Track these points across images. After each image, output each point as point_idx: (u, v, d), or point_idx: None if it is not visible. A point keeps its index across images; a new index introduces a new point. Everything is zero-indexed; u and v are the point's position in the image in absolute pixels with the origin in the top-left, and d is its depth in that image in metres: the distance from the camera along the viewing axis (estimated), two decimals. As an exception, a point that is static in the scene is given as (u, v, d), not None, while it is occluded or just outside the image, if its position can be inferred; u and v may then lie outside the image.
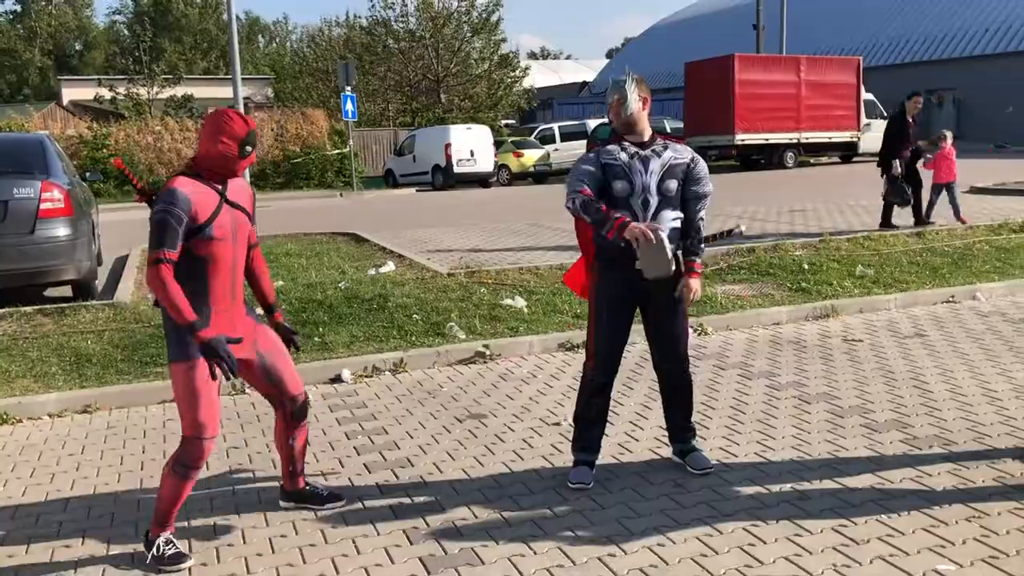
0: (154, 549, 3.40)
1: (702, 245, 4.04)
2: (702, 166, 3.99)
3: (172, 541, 3.45)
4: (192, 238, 3.27)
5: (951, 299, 7.60)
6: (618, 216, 3.74)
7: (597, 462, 4.12)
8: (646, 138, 3.92)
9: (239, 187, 3.50)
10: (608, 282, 3.95)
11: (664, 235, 3.72)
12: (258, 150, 26.28)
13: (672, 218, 3.90)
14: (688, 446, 4.16)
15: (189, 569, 3.37)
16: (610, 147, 3.94)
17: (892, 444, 4.32)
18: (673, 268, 3.74)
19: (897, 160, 10.43)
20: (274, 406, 3.77)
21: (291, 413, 3.73)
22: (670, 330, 4.02)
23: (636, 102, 3.87)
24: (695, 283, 3.98)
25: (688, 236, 3.99)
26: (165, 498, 3.42)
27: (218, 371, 3.27)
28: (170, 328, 3.35)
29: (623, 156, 3.88)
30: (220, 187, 3.39)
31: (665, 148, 3.93)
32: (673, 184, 3.88)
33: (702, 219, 4.01)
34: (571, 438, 4.19)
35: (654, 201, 3.85)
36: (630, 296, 3.95)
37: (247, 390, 5.73)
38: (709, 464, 4.08)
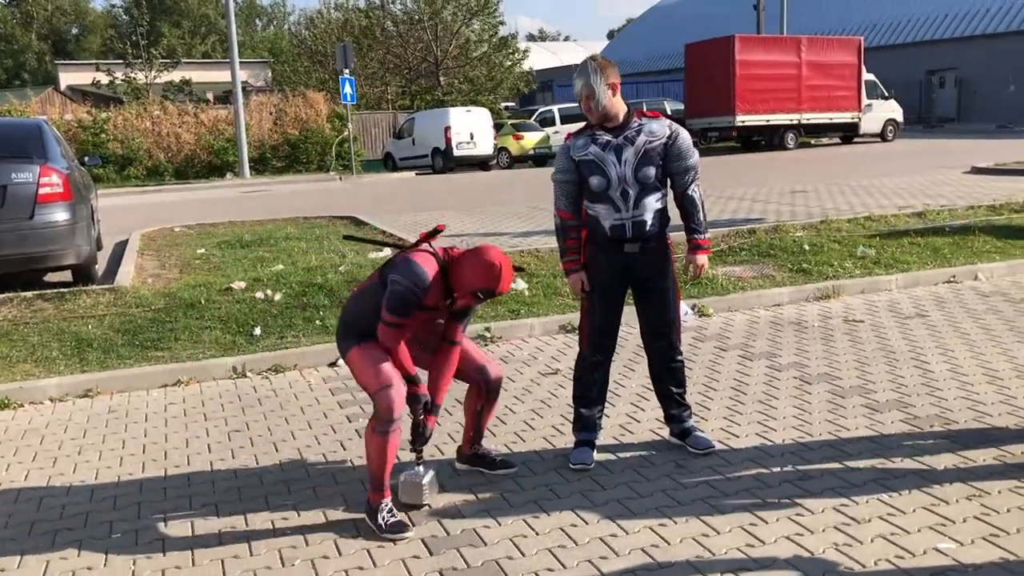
0: (378, 519, 3.45)
1: (702, 218, 3.97)
2: (683, 140, 3.87)
3: (392, 508, 3.50)
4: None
5: (952, 279, 7.59)
6: (567, 261, 3.97)
7: (598, 443, 4.12)
8: (620, 121, 3.85)
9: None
10: (598, 263, 3.94)
11: (424, 480, 3.63)
12: (257, 134, 26.26)
13: (656, 201, 3.86)
14: (687, 426, 4.16)
15: (191, 559, 3.38)
16: (580, 141, 3.88)
17: (893, 424, 4.32)
18: (424, 500, 3.61)
19: None
20: (467, 381, 3.89)
21: (485, 390, 3.84)
22: (660, 308, 3.99)
23: (605, 94, 3.78)
24: (701, 258, 3.98)
25: (685, 213, 3.96)
26: (374, 459, 3.48)
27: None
28: (349, 324, 3.60)
29: (594, 148, 3.82)
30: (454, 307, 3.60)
31: (639, 131, 3.83)
32: (651, 170, 3.80)
33: (694, 191, 3.91)
34: (571, 419, 4.19)
35: (633, 191, 3.80)
36: (621, 277, 3.94)
37: (247, 373, 5.73)
38: (710, 444, 4.08)
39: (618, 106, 3.83)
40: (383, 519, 3.44)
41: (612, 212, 3.84)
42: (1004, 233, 8.92)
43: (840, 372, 5.19)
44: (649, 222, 3.85)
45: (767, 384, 5.04)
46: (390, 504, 3.51)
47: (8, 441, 4.75)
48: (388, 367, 3.46)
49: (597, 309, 3.98)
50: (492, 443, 4.33)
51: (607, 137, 3.82)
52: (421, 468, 3.69)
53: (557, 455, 4.16)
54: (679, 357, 4.12)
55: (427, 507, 3.64)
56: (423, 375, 3.66)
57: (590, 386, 4.06)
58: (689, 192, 3.90)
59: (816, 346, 5.77)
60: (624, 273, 3.93)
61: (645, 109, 4.01)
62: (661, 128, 3.85)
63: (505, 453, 4.20)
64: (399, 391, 3.43)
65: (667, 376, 4.12)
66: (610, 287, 3.95)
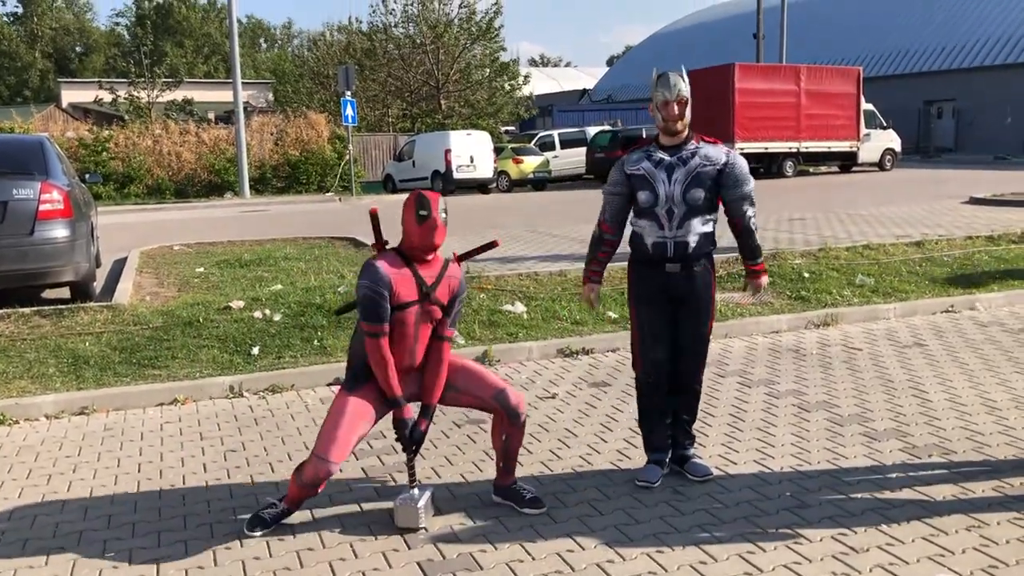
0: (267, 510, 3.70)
1: (758, 243, 4.00)
2: (739, 167, 3.86)
3: (279, 507, 3.70)
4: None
5: (950, 309, 7.60)
6: (590, 270, 4.13)
7: (596, 468, 4.11)
8: (680, 140, 3.87)
9: (447, 276, 3.67)
10: (643, 279, 3.95)
11: (420, 504, 3.62)
12: (258, 154, 26.34)
13: (703, 224, 3.85)
14: (688, 453, 4.15)
15: (186, 571, 3.35)
16: (635, 155, 3.91)
17: (891, 453, 4.31)
18: (420, 524, 3.61)
19: None
20: (489, 410, 3.82)
21: (507, 415, 3.76)
22: (695, 330, 3.97)
23: (688, 98, 3.84)
24: (763, 279, 4.04)
25: (742, 239, 3.97)
26: (292, 490, 3.65)
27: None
28: (351, 365, 3.69)
29: (646, 164, 3.85)
30: (427, 282, 3.63)
31: (695, 153, 3.84)
32: (700, 193, 3.79)
33: (751, 218, 3.92)
34: (568, 445, 4.18)
35: (679, 211, 3.80)
36: (664, 292, 3.92)
37: (243, 393, 5.72)
38: (708, 471, 4.07)
39: (687, 120, 3.86)
40: (264, 513, 3.70)
41: (656, 229, 3.85)
42: (1002, 264, 8.94)
43: (839, 400, 5.18)
44: (692, 244, 3.83)
45: (765, 411, 5.03)
46: (281, 506, 3.70)
47: (3, 458, 4.73)
48: (343, 436, 3.48)
49: (646, 324, 3.96)
50: (489, 467, 4.31)
51: (662, 155, 3.85)
52: (416, 491, 3.67)
53: (555, 479, 4.14)
54: (697, 386, 4.10)
55: (423, 530, 3.62)
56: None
57: (653, 408, 4.07)
58: (745, 219, 3.91)
59: (815, 374, 5.77)
60: (663, 291, 3.91)
61: (706, 136, 4.00)
62: (717, 154, 3.86)
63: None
64: (334, 466, 3.47)
65: (683, 401, 4.09)
66: (656, 297, 3.92)
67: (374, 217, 3.69)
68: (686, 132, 3.87)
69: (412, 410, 3.67)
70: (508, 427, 3.77)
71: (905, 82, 37.80)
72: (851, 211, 14.27)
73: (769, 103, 25.03)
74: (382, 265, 3.52)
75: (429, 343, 3.72)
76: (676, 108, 3.83)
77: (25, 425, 5.27)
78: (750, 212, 3.92)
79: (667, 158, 3.84)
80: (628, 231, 4.04)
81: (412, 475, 3.71)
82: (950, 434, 4.54)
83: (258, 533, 3.62)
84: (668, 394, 4.06)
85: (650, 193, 3.82)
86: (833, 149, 26.70)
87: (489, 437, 4.70)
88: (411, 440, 3.65)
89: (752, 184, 3.92)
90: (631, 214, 4.01)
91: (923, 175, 24.30)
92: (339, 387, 3.70)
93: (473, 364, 3.88)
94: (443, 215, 3.59)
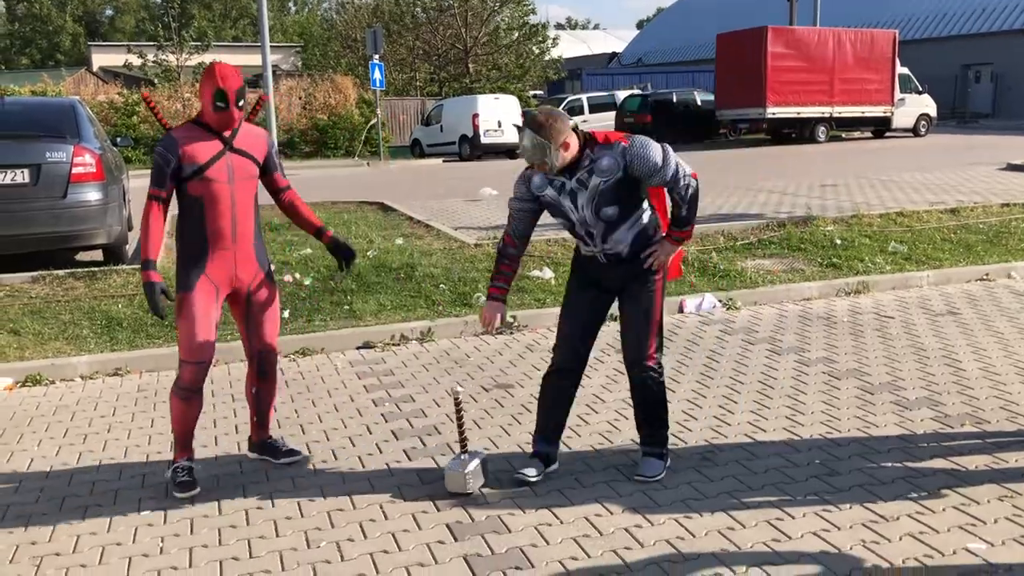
0: (168, 474, 3.80)
1: (684, 214, 3.59)
2: (640, 159, 3.45)
3: (185, 468, 3.73)
4: (186, 179, 3.59)
5: (985, 277, 7.49)
6: (494, 287, 3.75)
7: (624, 433, 4.08)
8: (575, 161, 3.52)
9: (251, 135, 3.74)
10: (581, 265, 3.78)
11: (467, 469, 3.59)
12: (286, 118, 26.34)
13: (629, 229, 3.58)
14: (646, 449, 3.83)
15: (219, 530, 3.41)
16: (536, 179, 3.61)
17: (923, 422, 4.27)
18: (468, 489, 3.60)
19: None
20: (247, 357, 3.95)
21: (257, 367, 3.91)
22: (633, 320, 3.70)
23: (559, 157, 3.44)
24: (669, 248, 3.65)
25: (673, 210, 3.64)
26: (173, 420, 3.75)
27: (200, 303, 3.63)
28: (178, 264, 3.72)
29: (550, 192, 3.58)
30: (224, 134, 3.63)
31: (592, 171, 3.49)
32: (612, 209, 3.52)
33: (681, 192, 3.54)
34: (595, 409, 4.17)
35: (598, 230, 3.57)
36: (600, 282, 3.72)
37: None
38: (652, 474, 3.73)
39: (572, 152, 3.50)
40: (169, 475, 3.77)
41: (584, 244, 3.68)
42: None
43: (869, 368, 5.14)
44: (625, 251, 3.61)
45: (795, 379, 5.00)
46: (184, 465, 3.74)
47: (40, 417, 4.82)
48: (199, 339, 3.59)
49: (567, 307, 3.78)
50: (517, 431, 4.33)
51: (560, 180, 3.56)
52: (465, 456, 3.68)
53: (582, 445, 4.15)
54: (653, 373, 3.73)
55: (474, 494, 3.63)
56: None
57: (546, 391, 3.85)
58: (674, 194, 3.58)
59: (845, 341, 5.72)
60: (598, 283, 3.73)
61: (600, 132, 3.61)
62: (612, 163, 3.47)
63: (528, 442, 4.17)
64: (202, 367, 3.63)
65: (635, 391, 3.80)
66: (587, 284, 3.74)
67: (147, 101, 3.84)
68: (573, 154, 3.50)
69: (158, 277, 3.62)
70: (258, 382, 3.94)
71: (942, 45, 36.97)
72: (884, 177, 14.05)
73: (802, 67, 24.61)
74: (175, 132, 3.62)
75: (278, 203, 3.96)
76: (544, 168, 3.52)
77: (61, 385, 5.36)
78: (680, 186, 3.52)
79: (567, 182, 3.55)
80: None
81: (463, 441, 3.72)
82: (983, 403, 4.49)
83: (191, 493, 3.68)
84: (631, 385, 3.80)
85: (564, 219, 3.64)
86: (867, 114, 26.23)
87: (517, 403, 4.73)
88: (157, 308, 3.59)
89: (668, 160, 3.49)
90: None
91: (959, 141, 23.85)
92: (177, 293, 3.68)
93: (271, 311, 3.89)
94: (240, 104, 3.60)
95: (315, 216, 4.06)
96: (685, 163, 3.57)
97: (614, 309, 3.81)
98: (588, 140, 3.56)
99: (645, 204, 3.65)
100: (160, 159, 3.56)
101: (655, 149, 3.50)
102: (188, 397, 3.68)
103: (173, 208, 3.71)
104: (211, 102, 3.54)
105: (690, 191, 3.56)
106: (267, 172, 3.87)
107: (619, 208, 3.54)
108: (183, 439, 3.77)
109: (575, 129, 3.53)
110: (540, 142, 3.42)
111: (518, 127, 3.58)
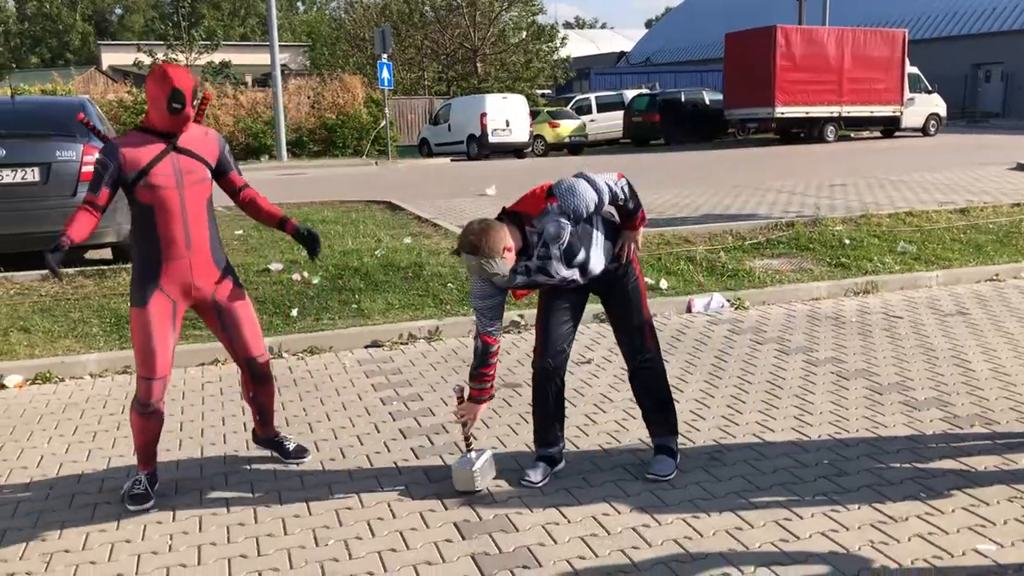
0: (129, 482, 3.73)
1: (630, 209, 3.57)
2: (575, 206, 3.39)
3: (142, 481, 3.68)
4: (132, 185, 3.49)
5: (995, 277, 7.46)
6: (476, 388, 3.68)
7: (632, 433, 4.08)
8: (529, 246, 3.48)
9: (198, 136, 3.63)
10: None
11: (475, 467, 3.61)
12: (295, 117, 26.37)
13: (598, 256, 3.59)
14: (658, 442, 3.85)
15: (227, 528, 3.42)
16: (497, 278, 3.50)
17: (932, 422, 4.26)
18: (477, 487, 3.62)
19: None
20: (237, 364, 3.91)
21: (251, 373, 3.86)
22: (625, 315, 3.74)
23: (505, 267, 3.35)
24: (630, 236, 3.67)
25: (621, 212, 3.63)
26: (134, 434, 3.69)
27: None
28: (133, 277, 3.62)
29: (520, 280, 3.55)
30: (169, 138, 3.54)
31: (544, 242, 3.45)
32: (581, 255, 3.51)
33: (621, 201, 3.52)
34: (604, 408, 4.17)
35: (577, 273, 3.57)
36: (582, 287, 3.71)
37: (283, 354, 5.78)
38: (665, 473, 3.74)
39: (517, 243, 3.42)
40: (128, 486, 3.70)
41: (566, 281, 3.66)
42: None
43: (878, 368, 5.13)
44: (599, 270, 3.63)
45: (804, 379, 4.99)
46: (141, 478, 3.69)
47: (49, 415, 4.84)
48: (155, 354, 3.52)
49: (544, 306, 3.76)
50: (524, 430, 4.33)
51: (522, 264, 3.51)
52: (473, 454, 3.68)
53: (590, 444, 4.15)
54: (654, 363, 3.78)
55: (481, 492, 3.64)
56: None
57: (539, 396, 3.82)
58: (618, 203, 3.53)
59: (854, 341, 5.70)
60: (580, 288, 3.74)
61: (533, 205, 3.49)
62: (556, 226, 3.42)
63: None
64: (160, 382, 3.56)
65: (639, 389, 3.84)
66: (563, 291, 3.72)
67: (83, 123, 3.81)
68: (519, 244, 3.43)
69: (67, 246, 3.40)
70: (254, 386, 3.90)
71: (952, 45, 36.85)
72: (893, 177, 14.01)
73: (811, 66, 24.58)
74: (115, 140, 3.53)
75: (238, 203, 3.88)
76: (500, 278, 3.42)
77: (70, 383, 5.38)
78: (620, 197, 3.49)
79: (529, 263, 3.51)
80: None
81: (467, 439, 3.72)
82: (993, 404, 4.47)
83: (144, 506, 3.60)
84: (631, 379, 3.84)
85: (546, 286, 3.66)
86: (876, 114, 26.18)
87: (524, 402, 4.73)
88: (55, 270, 3.36)
89: (598, 188, 3.44)
90: None
91: (969, 140, 23.76)
92: (132, 308, 3.58)
93: (245, 315, 3.80)
94: (194, 103, 3.53)
95: (275, 208, 3.97)
96: (606, 175, 3.53)
97: (600, 311, 3.77)
98: (522, 220, 3.46)
99: (594, 223, 3.60)
100: (99, 165, 3.46)
101: (581, 187, 3.43)
102: (145, 412, 3.59)
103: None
104: (166, 104, 3.42)
105: (627, 191, 3.54)
106: (223, 174, 3.76)
107: (584, 248, 3.54)
108: (143, 453, 3.70)
109: (503, 216, 3.48)
110: (482, 262, 3.30)
111: (456, 253, 3.52)
